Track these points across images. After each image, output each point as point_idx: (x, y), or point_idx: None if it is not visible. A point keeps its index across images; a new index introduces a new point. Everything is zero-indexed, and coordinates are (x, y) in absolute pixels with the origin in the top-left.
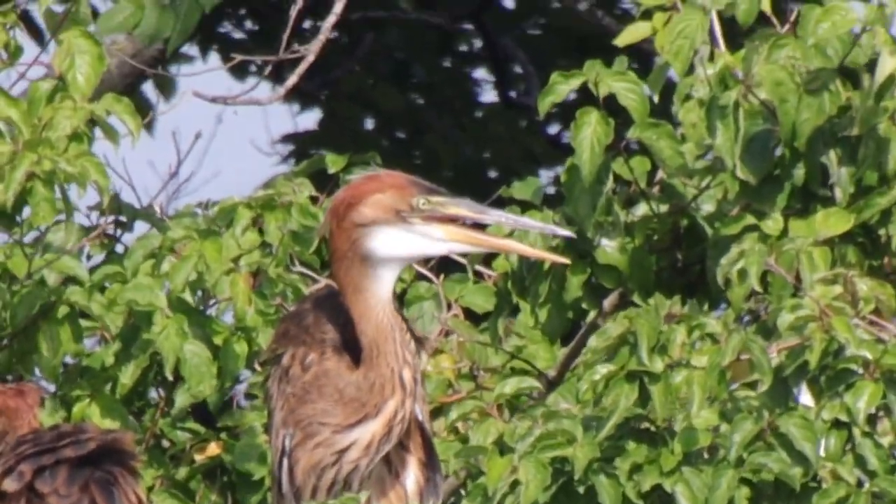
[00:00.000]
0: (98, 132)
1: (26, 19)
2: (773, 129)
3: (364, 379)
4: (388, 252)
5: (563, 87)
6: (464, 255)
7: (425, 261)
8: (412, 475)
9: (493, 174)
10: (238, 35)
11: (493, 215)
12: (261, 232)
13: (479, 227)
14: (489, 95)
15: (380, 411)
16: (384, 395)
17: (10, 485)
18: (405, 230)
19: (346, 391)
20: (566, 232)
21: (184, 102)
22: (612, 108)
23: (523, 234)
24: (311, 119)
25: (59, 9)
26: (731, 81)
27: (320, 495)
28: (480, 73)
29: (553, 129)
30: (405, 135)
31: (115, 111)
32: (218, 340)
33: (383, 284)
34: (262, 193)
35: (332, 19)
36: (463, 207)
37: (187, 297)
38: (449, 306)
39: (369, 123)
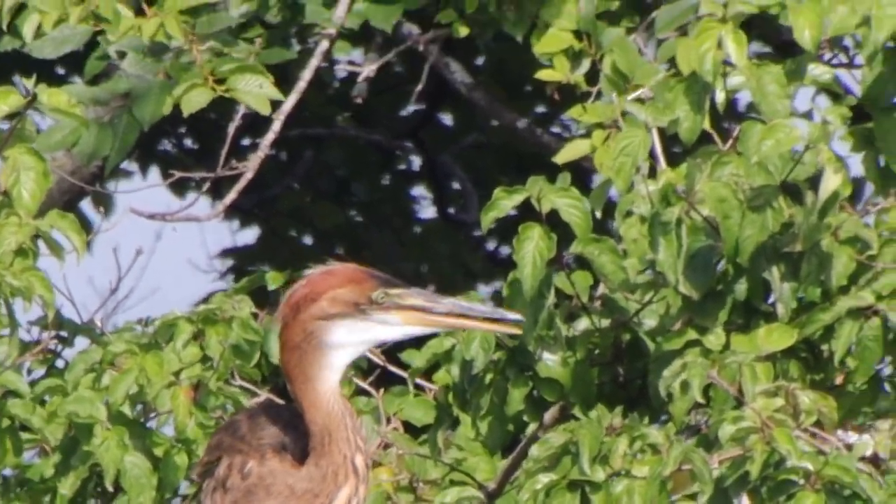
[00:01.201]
0: (42, 248)
1: None
2: (715, 245)
3: (316, 468)
4: (346, 342)
5: (506, 203)
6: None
7: (364, 375)
8: None
9: (431, 289)
10: (176, 152)
11: (444, 304)
12: (201, 346)
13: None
14: (428, 212)
15: (332, 501)
16: (337, 483)
17: None
18: (362, 320)
19: (298, 485)
20: (515, 315)
21: (122, 219)
22: (553, 222)
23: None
24: (249, 235)
25: (3, 126)
26: (674, 198)
27: None
28: (420, 189)
29: (491, 244)
30: (344, 250)
31: (59, 227)
32: (158, 452)
33: (335, 373)
34: (204, 308)
35: (270, 136)
36: (419, 298)
37: (127, 409)
38: (388, 420)
39: (308, 239)
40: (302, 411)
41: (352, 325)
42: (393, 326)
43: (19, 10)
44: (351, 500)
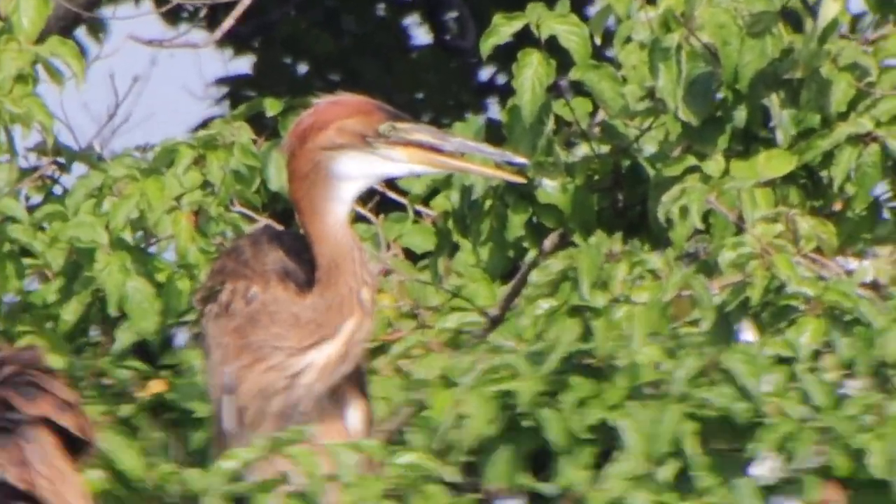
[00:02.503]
0: (42, 74)
1: None
2: (715, 72)
3: (321, 299)
4: (351, 174)
5: (505, 29)
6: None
7: (364, 202)
8: (355, 411)
9: (426, 117)
10: None
11: (453, 142)
12: (202, 172)
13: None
14: (423, 38)
15: (338, 332)
16: (343, 316)
17: None
18: (369, 153)
19: (303, 314)
20: (521, 159)
21: (121, 46)
22: (552, 49)
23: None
24: (243, 64)
25: None
26: (674, 24)
27: (267, 422)
28: (413, 18)
29: (486, 73)
30: (339, 78)
31: (59, 54)
32: (161, 277)
33: (343, 205)
34: (204, 133)
35: None
36: (426, 133)
37: (128, 236)
38: (388, 246)
39: (302, 68)
40: (310, 243)
41: (358, 158)
42: (398, 163)
43: None
44: (355, 334)
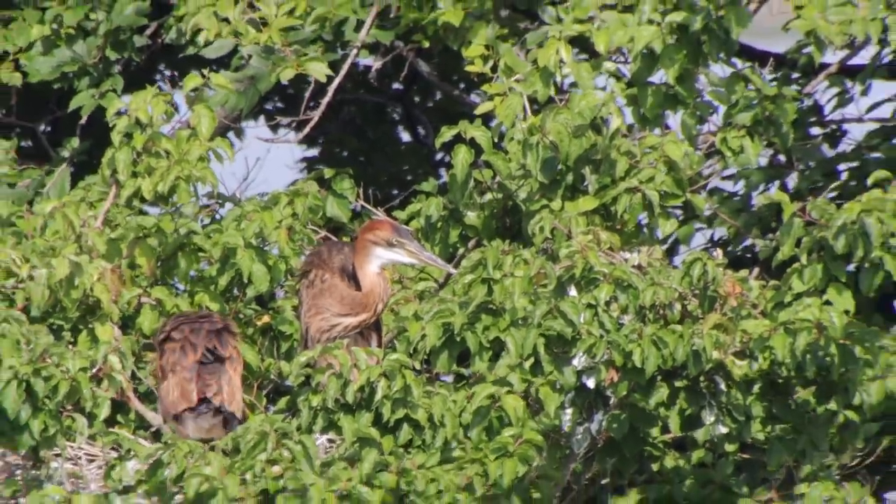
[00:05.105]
0: (211, 156)
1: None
2: (556, 156)
3: (357, 297)
4: (378, 256)
5: (448, 133)
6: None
7: None
8: (374, 339)
9: (409, 177)
10: (272, 108)
11: (426, 254)
12: (292, 208)
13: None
14: (407, 138)
15: (357, 315)
16: (364, 310)
17: (157, 337)
18: (387, 250)
19: (345, 299)
20: (451, 269)
21: (251, 142)
22: (473, 144)
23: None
24: (313, 151)
25: (192, 93)
26: (535, 131)
27: (322, 343)
28: (401, 129)
29: (439, 156)
30: (363, 158)
31: (221, 146)
32: (270, 263)
33: (374, 266)
34: (292, 188)
35: (327, 99)
36: (414, 247)
37: (254, 241)
38: None
39: (344, 153)
40: (358, 277)
41: (381, 250)
42: (402, 257)
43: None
44: (366, 320)
